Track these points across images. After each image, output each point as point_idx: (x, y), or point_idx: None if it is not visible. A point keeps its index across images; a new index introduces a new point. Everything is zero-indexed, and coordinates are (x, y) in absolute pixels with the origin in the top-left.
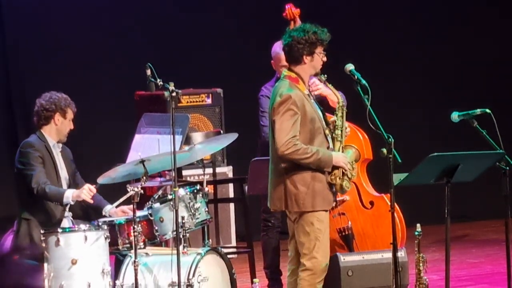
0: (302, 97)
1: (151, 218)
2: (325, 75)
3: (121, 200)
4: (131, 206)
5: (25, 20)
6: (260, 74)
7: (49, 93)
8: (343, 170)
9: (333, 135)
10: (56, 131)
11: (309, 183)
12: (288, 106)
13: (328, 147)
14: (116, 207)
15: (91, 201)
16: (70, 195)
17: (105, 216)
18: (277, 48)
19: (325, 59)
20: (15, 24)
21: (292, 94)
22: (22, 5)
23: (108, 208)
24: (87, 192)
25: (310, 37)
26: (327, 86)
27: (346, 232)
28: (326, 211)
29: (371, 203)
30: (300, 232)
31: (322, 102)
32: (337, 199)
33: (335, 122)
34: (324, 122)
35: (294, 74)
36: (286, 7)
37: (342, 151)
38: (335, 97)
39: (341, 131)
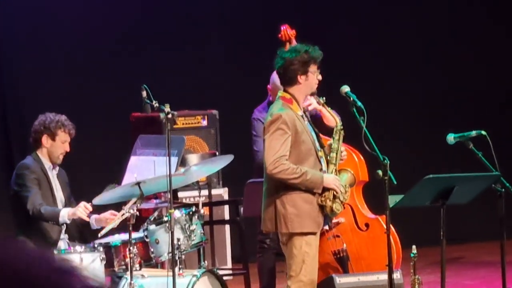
0: (294, 117)
1: (147, 240)
2: (324, 98)
3: (117, 222)
4: (127, 228)
5: (21, 42)
6: (255, 96)
7: (44, 114)
8: (335, 193)
9: (328, 157)
10: (47, 153)
11: (299, 204)
12: (278, 125)
13: (321, 169)
14: (112, 229)
15: (87, 219)
16: (66, 213)
17: (93, 226)
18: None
19: (320, 77)
20: (11, 46)
21: (283, 113)
22: (18, 28)
23: (94, 217)
24: (82, 209)
25: (303, 56)
26: (326, 109)
27: (341, 254)
28: (315, 233)
29: (367, 225)
30: (288, 254)
31: (316, 121)
32: (333, 221)
33: (331, 144)
34: (317, 144)
35: (288, 95)
36: (282, 28)
37: (336, 174)
38: (330, 116)
39: (336, 154)
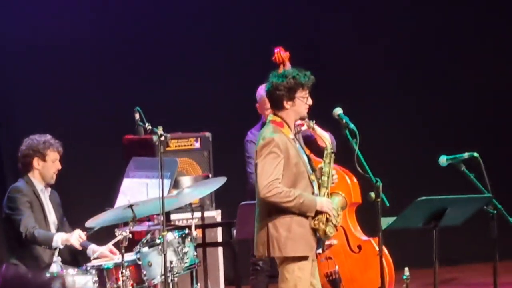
0: (285, 141)
1: (140, 263)
2: (314, 121)
3: (110, 244)
4: (118, 249)
5: (13, 64)
6: (249, 118)
7: (31, 136)
8: (327, 216)
9: (319, 181)
10: (40, 175)
11: (292, 227)
12: (270, 149)
13: (313, 193)
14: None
15: (80, 248)
16: (59, 239)
17: (90, 257)
18: (262, 91)
19: (310, 102)
20: (3, 68)
21: (275, 137)
22: (10, 50)
23: (92, 248)
24: (76, 238)
25: (289, 82)
26: (316, 133)
27: (334, 277)
28: (307, 257)
29: (359, 247)
30: (280, 278)
31: (311, 143)
32: (325, 243)
33: (322, 168)
34: (309, 167)
35: (278, 119)
36: (275, 50)
37: (328, 197)
38: (324, 139)
39: (328, 177)
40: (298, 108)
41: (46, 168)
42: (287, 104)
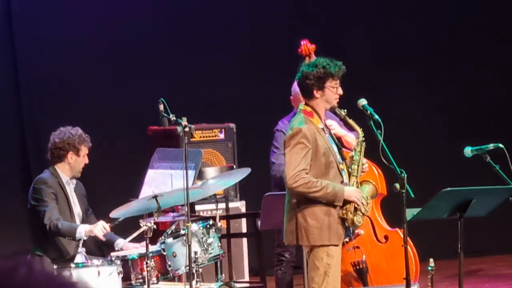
0: (314, 131)
1: (164, 253)
2: (345, 110)
3: (134, 235)
4: (144, 241)
5: (38, 54)
6: (273, 109)
7: (63, 129)
8: (356, 205)
9: (349, 170)
10: (69, 169)
11: (320, 217)
12: (298, 139)
13: (342, 182)
14: (129, 242)
15: (103, 239)
16: (83, 230)
17: (116, 247)
18: (297, 87)
19: (340, 91)
20: (27, 59)
21: (303, 128)
22: (35, 42)
23: (120, 243)
24: (100, 228)
25: (319, 71)
26: (348, 121)
27: (361, 266)
28: (336, 245)
29: (386, 237)
30: (310, 266)
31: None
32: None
33: (353, 156)
34: (338, 157)
35: (309, 108)
36: (302, 43)
37: (357, 186)
38: (350, 138)
39: (358, 166)
40: (328, 98)
41: (77, 162)
42: (317, 94)
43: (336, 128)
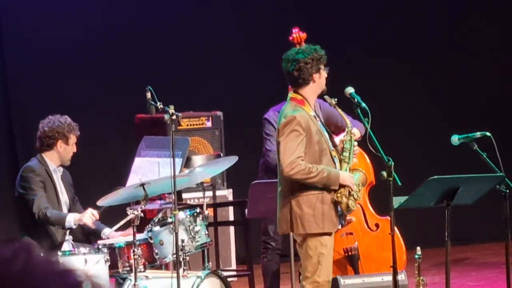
0: (307, 118)
1: (151, 241)
2: (336, 99)
3: (121, 223)
4: (131, 229)
5: (25, 42)
6: (260, 97)
7: (52, 117)
8: (349, 190)
9: (341, 157)
10: (58, 157)
11: (315, 204)
12: (292, 127)
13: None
14: (116, 230)
15: (93, 226)
16: (72, 219)
17: (103, 236)
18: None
19: (326, 74)
20: (15, 47)
21: (297, 115)
22: (22, 29)
23: (107, 232)
24: (89, 216)
25: (314, 55)
26: (338, 110)
27: (352, 253)
28: (330, 234)
29: (377, 225)
30: (303, 255)
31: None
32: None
33: (344, 144)
34: (330, 144)
35: (299, 96)
36: (293, 31)
37: (350, 173)
38: (344, 117)
39: (349, 153)
40: (322, 82)
41: (66, 150)
42: (315, 77)
43: (357, 134)
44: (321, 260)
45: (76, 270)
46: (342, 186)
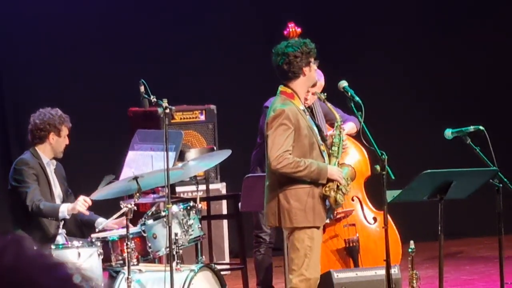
0: (296, 112)
1: (144, 235)
2: (325, 94)
3: (115, 216)
4: (125, 220)
5: (18, 35)
6: (254, 90)
7: (43, 110)
8: (338, 184)
9: (330, 151)
10: (51, 149)
11: (303, 199)
12: (280, 121)
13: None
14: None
15: (87, 213)
16: (65, 209)
17: (97, 228)
18: (321, 78)
19: (316, 68)
20: (7, 41)
21: (286, 109)
22: (14, 24)
23: (101, 222)
24: (81, 203)
25: (303, 49)
26: (327, 105)
27: (353, 244)
28: (318, 227)
29: (374, 219)
30: (291, 248)
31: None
32: (345, 209)
33: (333, 138)
34: (319, 138)
35: (289, 90)
36: (289, 25)
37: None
38: (334, 112)
39: (338, 148)
40: (312, 73)
41: (59, 143)
42: (305, 70)
43: (353, 129)
44: (308, 253)
45: (67, 263)
46: (330, 180)
